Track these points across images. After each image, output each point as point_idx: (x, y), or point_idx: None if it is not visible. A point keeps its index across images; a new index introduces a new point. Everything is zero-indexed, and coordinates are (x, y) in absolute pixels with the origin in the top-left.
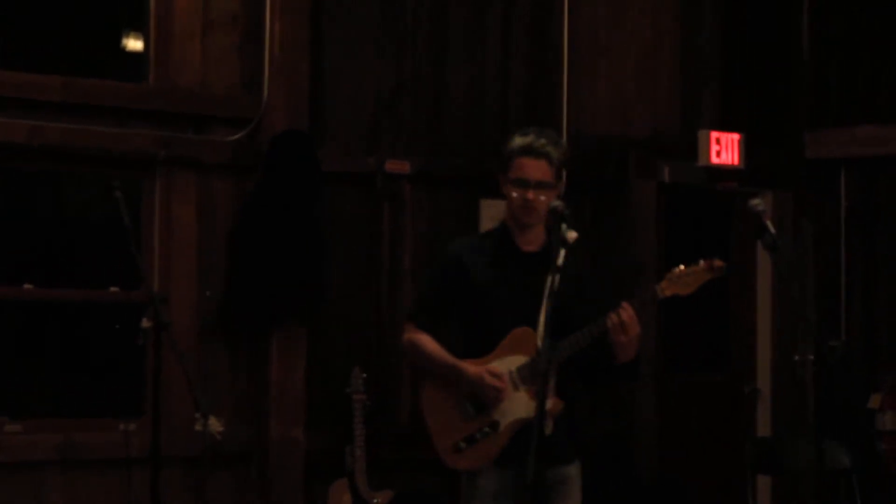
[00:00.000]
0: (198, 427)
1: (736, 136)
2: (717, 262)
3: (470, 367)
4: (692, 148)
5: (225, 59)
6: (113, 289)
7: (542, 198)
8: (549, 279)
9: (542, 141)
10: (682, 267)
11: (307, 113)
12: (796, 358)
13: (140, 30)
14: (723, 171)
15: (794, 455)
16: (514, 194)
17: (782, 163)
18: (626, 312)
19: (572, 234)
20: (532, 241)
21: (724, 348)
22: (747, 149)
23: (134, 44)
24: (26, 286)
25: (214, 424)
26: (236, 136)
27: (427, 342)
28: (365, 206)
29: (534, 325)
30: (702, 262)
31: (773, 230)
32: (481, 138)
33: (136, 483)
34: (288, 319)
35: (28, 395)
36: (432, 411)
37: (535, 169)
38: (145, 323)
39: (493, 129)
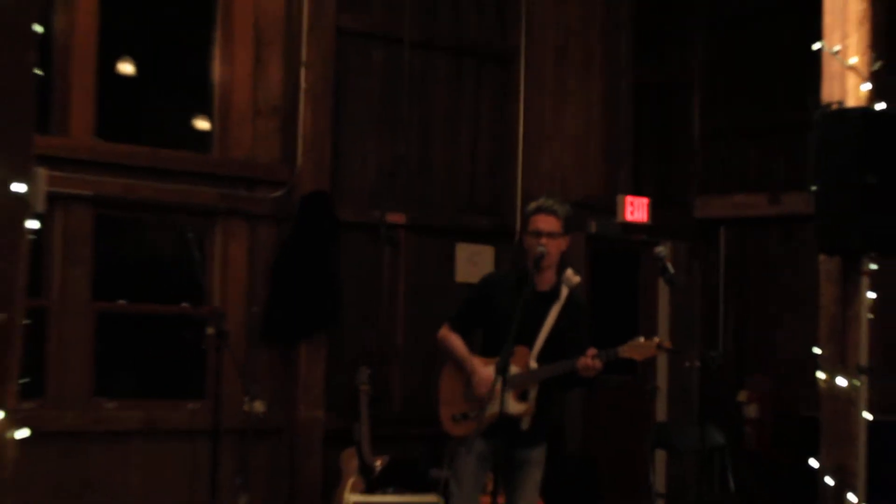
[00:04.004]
0: (245, 408)
1: (645, 200)
2: (667, 344)
3: (478, 366)
4: (613, 208)
5: (269, 137)
6: (184, 305)
7: (553, 245)
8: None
9: (550, 202)
10: (641, 339)
11: (329, 178)
12: (686, 364)
13: (207, 114)
14: (635, 226)
15: (683, 435)
16: (532, 242)
17: (678, 220)
18: (592, 356)
19: (576, 279)
20: (545, 282)
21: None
22: (653, 209)
23: (202, 124)
24: (120, 302)
25: (258, 406)
26: (276, 195)
27: (452, 338)
28: (371, 247)
29: (531, 345)
30: (655, 339)
31: (671, 270)
32: (457, 198)
33: (199, 449)
34: (311, 331)
35: (120, 381)
36: (445, 387)
37: (546, 222)
38: (209, 331)
39: (466, 192)
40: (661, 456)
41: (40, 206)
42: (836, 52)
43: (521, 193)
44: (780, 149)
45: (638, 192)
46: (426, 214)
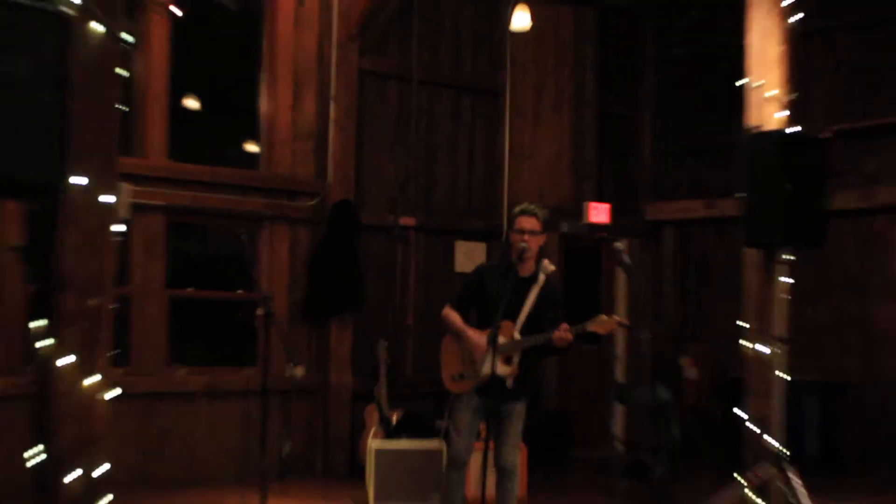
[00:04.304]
0: (288, 373)
1: (606, 206)
2: (624, 321)
3: (472, 335)
4: (580, 212)
5: (305, 157)
6: (240, 291)
7: (533, 241)
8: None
9: (532, 207)
10: (604, 317)
11: (353, 189)
12: (639, 335)
13: (255, 139)
14: (598, 227)
15: (637, 393)
16: (516, 238)
17: (633, 222)
18: (564, 330)
19: (551, 268)
20: (526, 270)
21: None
22: (613, 213)
23: (252, 147)
24: (189, 289)
25: (298, 372)
26: (312, 203)
27: (453, 315)
28: (387, 246)
29: (515, 320)
30: (615, 317)
31: (628, 261)
32: (456, 205)
33: (251, 406)
34: (340, 312)
35: (189, 352)
36: (446, 353)
37: (528, 222)
38: (259, 312)
39: (464, 201)
40: (620, 409)
41: (124, 214)
42: (758, 87)
43: (507, 201)
44: (714, 164)
45: (600, 199)
46: (431, 218)
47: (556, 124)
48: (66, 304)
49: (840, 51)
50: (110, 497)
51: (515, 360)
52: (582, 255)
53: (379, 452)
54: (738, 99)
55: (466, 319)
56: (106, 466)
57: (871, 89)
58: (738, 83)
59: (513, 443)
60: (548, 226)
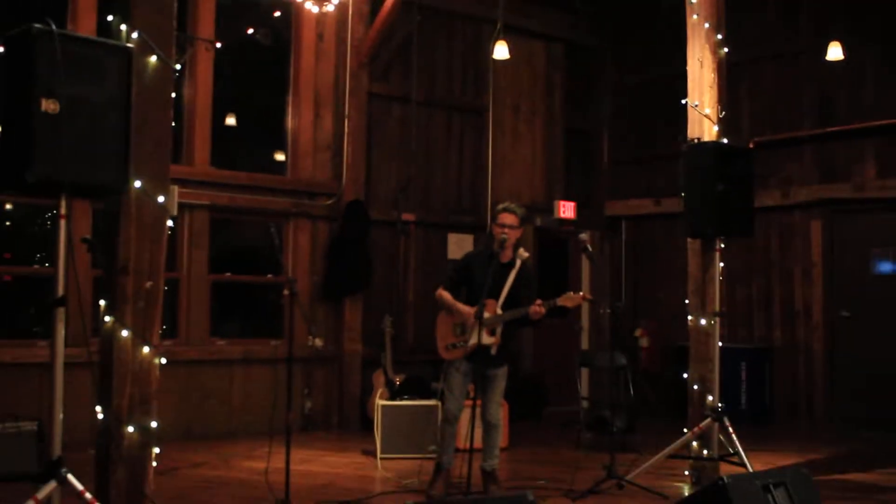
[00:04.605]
0: (309, 344)
1: (572, 203)
2: (588, 296)
3: (463, 307)
4: (551, 208)
5: (324, 165)
6: (269, 275)
7: (512, 233)
8: (509, 276)
9: (512, 205)
10: (571, 293)
11: (363, 191)
12: (601, 311)
13: (283, 149)
14: (566, 221)
15: (599, 359)
16: (498, 231)
17: (594, 217)
18: (538, 305)
19: (526, 254)
20: (506, 257)
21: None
22: (578, 210)
23: (280, 156)
24: (227, 274)
25: (318, 342)
26: (329, 202)
27: (445, 295)
28: (391, 237)
29: (497, 298)
30: (581, 293)
31: (590, 249)
32: (449, 205)
33: (279, 371)
34: (352, 292)
35: (228, 326)
36: (440, 327)
37: (508, 218)
38: (285, 292)
39: (455, 201)
40: (585, 372)
41: (174, 211)
42: (696, 106)
43: (490, 200)
44: (661, 169)
45: (567, 198)
46: (428, 214)
47: (530, 137)
48: (126, 287)
49: (763, 77)
50: (157, 450)
51: (498, 331)
52: (553, 244)
53: (385, 409)
54: (680, 116)
55: (456, 298)
56: (154, 424)
57: (786, 108)
58: (681, 102)
59: (496, 401)
60: (524, 221)
